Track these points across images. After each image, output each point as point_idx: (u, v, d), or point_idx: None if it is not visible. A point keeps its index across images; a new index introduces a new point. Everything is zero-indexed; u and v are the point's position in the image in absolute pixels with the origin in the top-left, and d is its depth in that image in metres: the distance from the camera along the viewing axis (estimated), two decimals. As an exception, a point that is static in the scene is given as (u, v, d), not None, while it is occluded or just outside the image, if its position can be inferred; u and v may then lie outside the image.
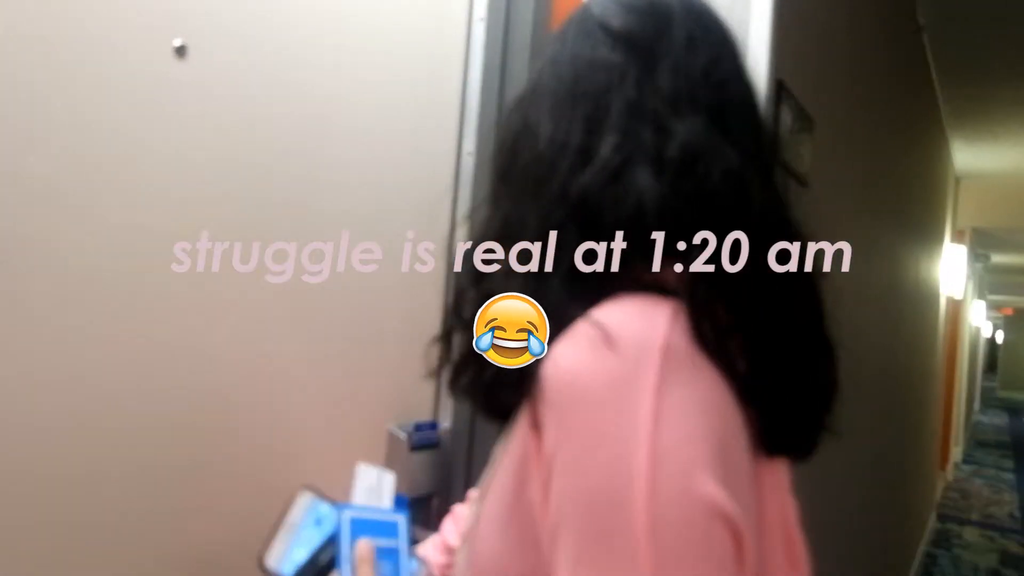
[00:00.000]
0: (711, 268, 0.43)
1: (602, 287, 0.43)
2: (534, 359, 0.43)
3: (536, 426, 0.42)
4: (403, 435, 0.97)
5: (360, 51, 0.89)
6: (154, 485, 0.71)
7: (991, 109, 3.75)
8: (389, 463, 0.98)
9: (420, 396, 1.03)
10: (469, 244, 0.52)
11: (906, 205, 2.75)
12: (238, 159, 0.77)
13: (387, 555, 0.61)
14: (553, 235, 0.45)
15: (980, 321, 9.59)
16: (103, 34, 0.65)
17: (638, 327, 0.41)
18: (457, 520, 0.74)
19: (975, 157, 4.69)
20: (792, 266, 0.47)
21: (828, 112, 1.36)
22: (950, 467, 6.22)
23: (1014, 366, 18.61)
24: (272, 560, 0.62)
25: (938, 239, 4.05)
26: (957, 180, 5.17)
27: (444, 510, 1.03)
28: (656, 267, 0.44)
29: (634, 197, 0.44)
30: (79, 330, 0.65)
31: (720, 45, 0.51)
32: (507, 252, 0.48)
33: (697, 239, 0.44)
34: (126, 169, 0.67)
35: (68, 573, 0.65)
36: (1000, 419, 12.05)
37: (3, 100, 0.59)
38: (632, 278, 0.44)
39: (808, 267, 0.49)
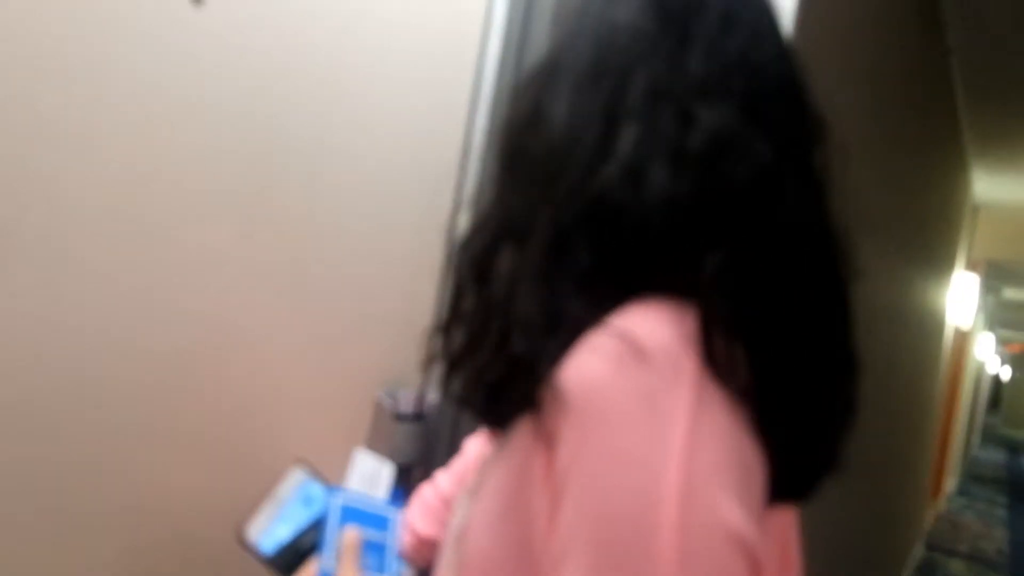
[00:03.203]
0: (733, 277, 0.39)
1: (615, 291, 0.41)
2: (547, 367, 0.39)
3: (545, 438, 0.40)
4: (390, 403, 0.98)
5: (379, 13, 0.90)
6: (131, 455, 0.71)
7: (1017, 139, 3.71)
8: (374, 430, 0.99)
9: (409, 369, 1.04)
10: (471, 235, 0.49)
11: (918, 229, 2.73)
12: (244, 112, 0.78)
13: (373, 549, 0.58)
14: (564, 235, 0.42)
15: (987, 355, 9.49)
16: (124, -24, 0.65)
17: (670, 339, 0.38)
18: (423, 501, 0.74)
19: (996, 187, 4.63)
20: (824, 276, 0.44)
21: (844, 129, 1.35)
22: (943, 498, 6.18)
23: (1018, 404, 18.42)
24: (253, 534, 0.59)
25: (949, 267, 4.01)
26: (975, 209, 5.11)
27: (426, 479, 1.04)
28: (674, 272, 0.40)
29: (653, 197, 0.40)
30: (66, 282, 0.66)
31: (760, 22, 0.46)
32: (513, 249, 0.45)
33: (718, 244, 0.40)
34: (134, 112, 0.68)
35: (39, 546, 0.65)
36: (999, 456, 11.95)
37: (18, 44, 0.60)
38: (648, 283, 0.41)
39: (842, 277, 0.45)
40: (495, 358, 0.44)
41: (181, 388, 0.75)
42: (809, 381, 0.42)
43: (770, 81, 0.45)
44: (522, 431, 0.43)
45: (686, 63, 0.43)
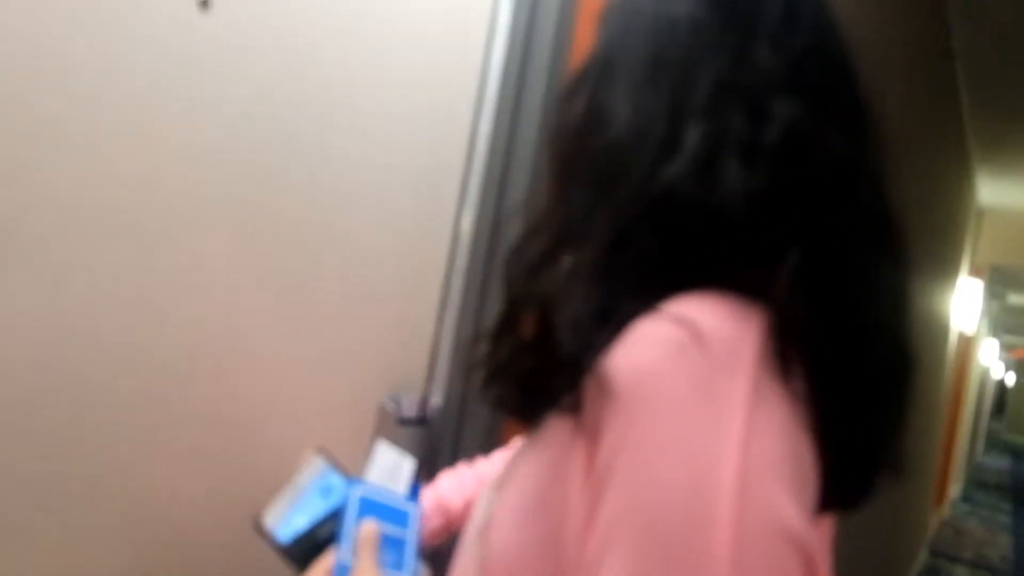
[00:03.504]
0: (810, 277, 0.38)
1: (673, 290, 0.39)
2: (591, 359, 0.38)
3: (587, 430, 0.38)
4: (392, 407, 0.98)
5: (384, 25, 0.90)
6: (133, 460, 0.71)
7: (1021, 144, 3.70)
8: (378, 435, 0.98)
9: (413, 372, 1.04)
10: (523, 244, 0.47)
11: (922, 233, 2.72)
12: (248, 116, 0.77)
13: (392, 544, 0.57)
14: (626, 234, 0.40)
15: (991, 361, 9.46)
16: (128, -22, 0.65)
17: (729, 327, 0.36)
18: (437, 489, 0.74)
19: (1001, 192, 4.62)
20: (891, 274, 0.42)
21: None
22: (947, 504, 6.15)
23: (1023, 409, 18.36)
24: (270, 521, 0.57)
25: (953, 272, 4.00)
26: (980, 214, 5.10)
27: (429, 484, 1.04)
28: (742, 270, 0.39)
29: (728, 193, 0.38)
30: (69, 274, 0.65)
31: (820, 15, 0.45)
32: (569, 250, 0.44)
33: (794, 241, 0.38)
34: (137, 115, 0.68)
35: (41, 550, 0.65)
36: (1003, 462, 11.90)
37: (21, 45, 0.60)
38: (709, 280, 0.39)
39: (905, 274, 0.44)
40: (537, 353, 0.42)
41: (183, 392, 0.75)
42: (870, 384, 0.41)
43: (836, 74, 0.44)
44: (557, 424, 0.41)
45: (752, 57, 0.41)
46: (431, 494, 0.74)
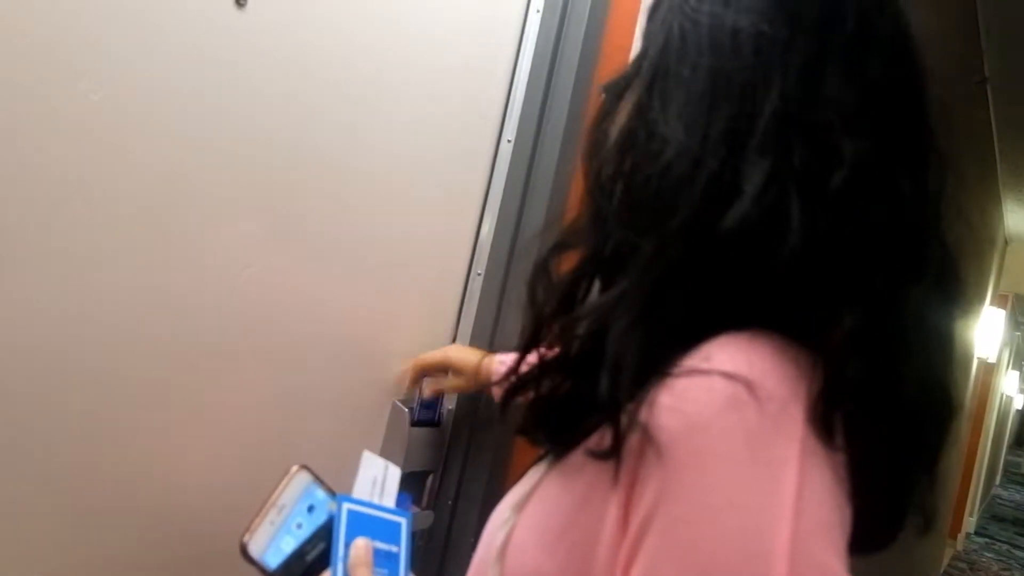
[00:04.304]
0: (864, 334, 0.36)
1: (721, 328, 0.37)
2: (633, 409, 0.36)
3: (624, 470, 0.36)
4: (407, 409, 0.98)
5: (417, 27, 0.91)
6: (145, 453, 0.71)
7: (1050, 174, 3.64)
8: (390, 436, 0.98)
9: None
10: (553, 256, 0.45)
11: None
12: (278, 115, 0.78)
13: (385, 560, 0.55)
14: (673, 272, 0.38)
15: (1013, 391, 9.28)
16: (169, -25, 0.67)
17: (782, 384, 0.35)
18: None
19: (1027, 222, 4.55)
20: (945, 329, 0.40)
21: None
22: (961, 537, 6.02)
23: (1043, 444, 17.94)
24: (256, 547, 0.56)
25: (977, 301, 3.93)
26: (1006, 242, 5.02)
27: (440, 488, 1.04)
28: (793, 315, 0.37)
29: (790, 241, 0.36)
30: (92, 279, 0.66)
31: (898, 37, 0.41)
32: (605, 278, 0.42)
33: (852, 294, 0.36)
34: (171, 111, 0.69)
35: (50, 542, 0.65)
36: (1021, 496, 11.64)
37: (59, 41, 0.61)
38: (761, 321, 0.37)
39: (956, 327, 0.42)
40: (564, 387, 0.41)
41: (198, 387, 0.75)
42: (908, 441, 0.39)
43: (909, 109, 0.40)
44: (587, 458, 0.39)
45: (822, 83, 0.38)
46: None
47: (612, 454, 0.37)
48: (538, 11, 1.05)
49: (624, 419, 0.36)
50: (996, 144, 3.31)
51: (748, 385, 0.34)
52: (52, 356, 0.64)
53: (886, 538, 0.42)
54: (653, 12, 0.44)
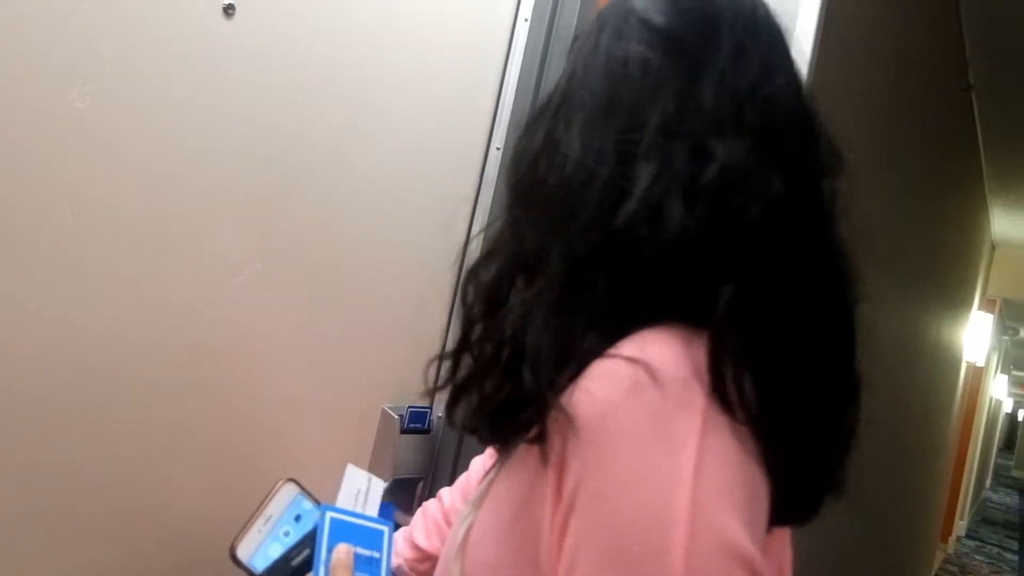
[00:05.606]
0: (744, 310, 0.40)
1: (627, 324, 0.41)
2: (555, 398, 0.40)
3: (553, 460, 0.40)
4: (396, 416, 0.98)
5: (405, 35, 0.91)
6: (137, 458, 0.71)
7: (1036, 179, 3.68)
8: (380, 442, 0.98)
9: (417, 382, 1.04)
10: (480, 264, 0.49)
11: (933, 264, 2.70)
12: (268, 122, 0.79)
13: (366, 565, 0.57)
14: (579, 269, 0.43)
15: (1002, 395, 9.35)
16: (158, -16, 0.67)
17: (679, 366, 0.39)
18: (426, 515, 0.74)
19: (1015, 226, 4.60)
20: (831, 305, 0.44)
21: (860, 159, 1.35)
22: (952, 540, 6.05)
23: (1032, 447, 18.07)
24: (244, 551, 0.59)
25: (966, 305, 3.97)
26: (993, 247, 5.07)
27: (430, 495, 1.04)
28: (685, 303, 0.41)
29: (670, 231, 0.41)
30: (82, 283, 0.66)
31: (770, 53, 0.47)
32: (524, 280, 0.46)
33: (730, 277, 0.40)
34: (160, 117, 0.69)
35: (41, 545, 0.65)
36: (1011, 499, 11.71)
37: (51, 47, 0.61)
38: (660, 313, 0.42)
39: (848, 303, 0.45)
40: (502, 387, 0.44)
41: (189, 392, 0.75)
42: (815, 408, 0.43)
43: (781, 113, 0.45)
44: (525, 455, 0.44)
45: (698, 98, 0.43)
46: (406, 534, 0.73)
47: (539, 438, 0.41)
48: (526, 20, 1.06)
49: (548, 402, 0.40)
50: (982, 150, 3.35)
51: (649, 369, 0.38)
52: (40, 362, 0.63)
53: (806, 508, 0.46)
54: (568, 51, 0.51)
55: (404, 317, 0.99)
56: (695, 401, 0.38)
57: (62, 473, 0.66)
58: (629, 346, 0.40)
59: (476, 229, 1.05)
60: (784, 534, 0.48)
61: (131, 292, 0.69)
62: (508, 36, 1.06)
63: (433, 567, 0.69)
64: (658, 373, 0.38)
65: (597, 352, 0.41)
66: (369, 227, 0.92)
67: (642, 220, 0.41)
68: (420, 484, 1.04)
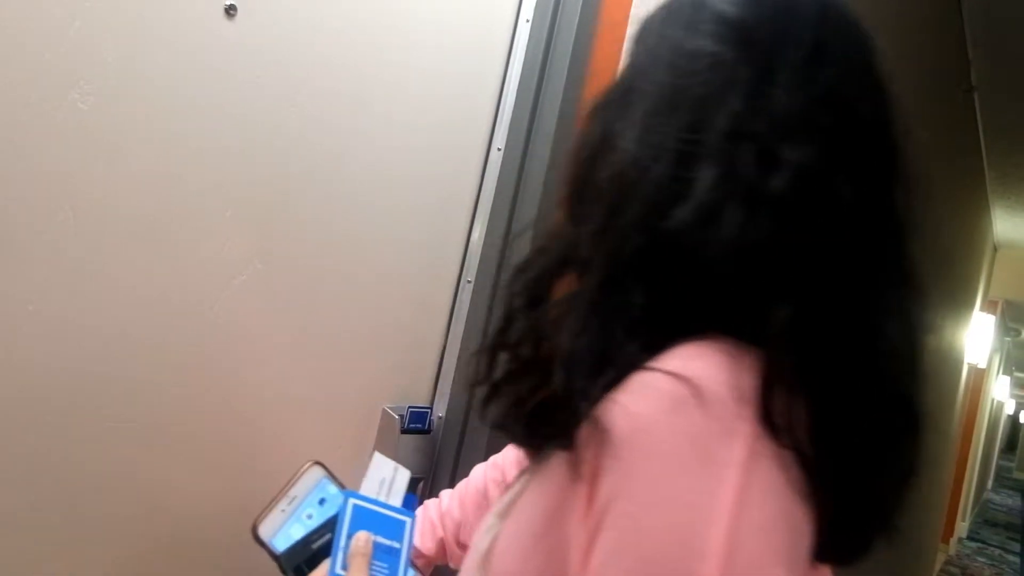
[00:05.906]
0: (802, 331, 0.37)
1: (669, 333, 0.39)
2: (588, 406, 0.38)
3: (587, 473, 0.38)
4: (397, 416, 0.98)
5: (406, 36, 0.91)
6: (139, 458, 0.71)
7: (1038, 181, 3.68)
8: (380, 443, 0.98)
9: (418, 382, 1.04)
10: (530, 259, 0.47)
11: (934, 265, 2.70)
12: (268, 123, 0.79)
13: (385, 555, 0.57)
14: (623, 271, 0.40)
15: (1004, 397, 9.33)
16: (159, -15, 0.67)
17: (727, 385, 0.36)
18: (425, 515, 0.73)
19: (1016, 227, 4.59)
20: (899, 331, 0.41)
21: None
22: (953, 542, 6.05)
23: (1034, 448, 18.03)
24: (266, 530, 0.59)
25: (967, 306, 3.96)
26: (995, 248, 5.06)
27: (430, 495, 1.04)
28: (736, 317, 0.38)
29: (726, 240, 0.38)
30: (83, 285, 0.67)
31: (854, 55, 0.43)
32: (570, 275, 0.44)
33: (789, 293, 0.37)
34: (161, 118, 0.70)
35: (44, 545, 0.65)
36: (1013, 500, 11.69)
37: (52, 48, 0.61)
38: (706, 325, 0.39)
39: (917, 330, 0.42)
40: (537, 388, 0.42)
41: (189, 392, 0.75)
42: (871, 443, 0.40)
43: (859, 119, 0.42)
44: (560, 459, 0.41)
45: (769, 94, 0.40)
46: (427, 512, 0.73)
47: (571, 446, 0.39)
48: (528, 20, 1.06)
49: (580, 410, 0.38)
50: (984, 152, 3.35)
51: (692, 387, 0.35)
52: (40, 362, 0.64)
53: (857, 547, 0.42)
54: (632, 39, 0.49)
55: (404, 317, 0.99)
56: (740, 425, 0.35)
57: (62, 473, 0.66)
58: (672, 360, 0.37)
59: (477, 229, 1.05)
60: (825, 572, 0.44)
61: (132, 292, 0.69)
62: (509, 36, 1.06)
63: (425, 565, 0.69)
64: (702, 391, 0.35)
65: (637, 363, 0.38)
66: (370, 227, 0.92)
67: (694, 225, 0.38)
68: (420, 484, 1.04)
